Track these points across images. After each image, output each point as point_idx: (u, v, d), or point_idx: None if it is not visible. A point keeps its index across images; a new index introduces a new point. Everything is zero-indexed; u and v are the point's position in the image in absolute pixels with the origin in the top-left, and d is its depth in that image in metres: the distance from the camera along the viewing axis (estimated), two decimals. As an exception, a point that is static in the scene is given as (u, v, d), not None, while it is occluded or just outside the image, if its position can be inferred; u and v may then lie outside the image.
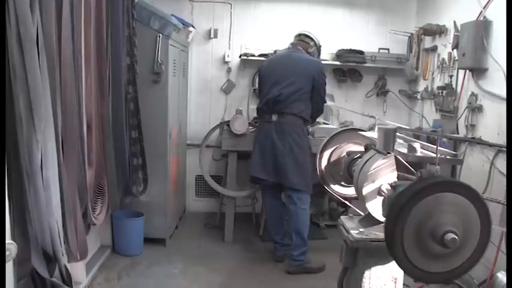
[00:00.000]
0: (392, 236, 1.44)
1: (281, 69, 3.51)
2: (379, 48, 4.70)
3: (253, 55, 4.56)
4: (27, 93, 1.81)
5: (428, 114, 4.35)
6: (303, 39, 3.66)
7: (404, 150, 1.75)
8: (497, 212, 2.59)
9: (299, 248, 3.45)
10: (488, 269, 2.88)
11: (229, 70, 4.75)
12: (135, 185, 3.35)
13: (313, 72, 3.50)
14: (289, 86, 3.45)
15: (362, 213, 2.00)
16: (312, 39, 3.67)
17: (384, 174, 1.81)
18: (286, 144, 3.43)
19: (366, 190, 1.82)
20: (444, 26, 4.07)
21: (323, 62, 4.63)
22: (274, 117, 3.48)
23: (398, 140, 1.98)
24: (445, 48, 4.05)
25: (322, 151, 2.27)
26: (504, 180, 2.95)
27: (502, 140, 3.02)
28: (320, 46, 3.75)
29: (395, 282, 1.91)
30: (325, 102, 3.69)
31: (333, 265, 2.29)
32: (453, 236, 1.39)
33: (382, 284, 1.89)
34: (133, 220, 3.63)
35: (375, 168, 1.80)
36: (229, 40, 4.70)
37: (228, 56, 4.70)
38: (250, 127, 4.03)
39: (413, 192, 1.43)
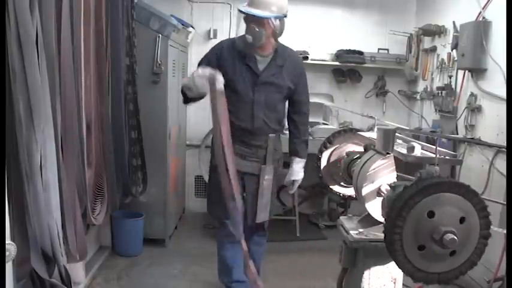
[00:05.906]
0: (392, 236, 1.44)
1: None
2: (379, 49, 4.70)
3: (252, 55, 4.55)
4: (27, 94, 1.81)
5: (428, 115, 4.35)
6: None
7: (404, 151, 1.76)
8: (496, 212, 2.59)
9: None
10: (487, 270, 2.88)
11: (228, 70, 4.74)
12: (135, 185, 3.34)
13: None
14: None
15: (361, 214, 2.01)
16: None
17: (383, 175, 1.81)
18: None
19: (365, 190, 1.82)
20: (443, 26, 4.08)
21: (322, 62, 4.64)
22: None
23: (398, 141, 1.98)
24: (444, 48, 4.05)
25: (321, 151, 2.27)
26: (503, 180, 2.95)
27: (502, 140, 3.02)
28: None
29: (394, 283, 1.91)
30: None
31: (333, 265, 2.29)
32: (452, 236, 1.39)
33: (381, 284, 1.89)
34: (132, 220, 3.63)
35: (374, 169, 1.81)
36: (229, 40, 4.70)
37: (227, 56, 4.69)
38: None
39: (413, 193, 1.43)
